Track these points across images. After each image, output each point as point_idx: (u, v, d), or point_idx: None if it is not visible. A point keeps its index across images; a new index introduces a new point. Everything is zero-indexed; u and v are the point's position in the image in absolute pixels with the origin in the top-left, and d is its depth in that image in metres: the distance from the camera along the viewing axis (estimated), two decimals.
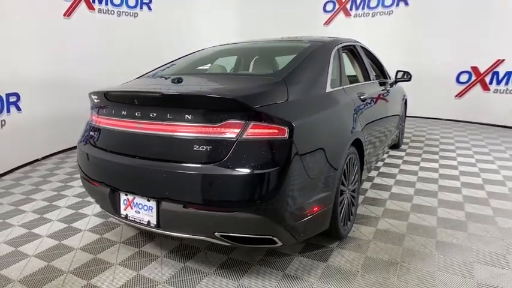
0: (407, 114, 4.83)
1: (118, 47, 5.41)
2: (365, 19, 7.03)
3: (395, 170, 3.58)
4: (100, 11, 5.25)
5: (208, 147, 1.57)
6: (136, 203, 1.79)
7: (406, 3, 6.58)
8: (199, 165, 1.57)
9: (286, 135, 1.57)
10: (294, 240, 1.76)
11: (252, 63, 2.55)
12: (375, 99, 2.86)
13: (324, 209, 1.85)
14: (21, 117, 4.11)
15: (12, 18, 3.96)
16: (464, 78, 6.22)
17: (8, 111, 3.95)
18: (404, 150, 4.36)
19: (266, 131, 1.56)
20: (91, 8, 5.11)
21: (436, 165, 3.73)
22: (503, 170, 3.52)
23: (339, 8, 7.30)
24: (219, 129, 1.57)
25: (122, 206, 1.85)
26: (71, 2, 4.79)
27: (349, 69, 2.81)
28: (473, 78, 6.13)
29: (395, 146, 4.37)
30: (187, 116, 1.61)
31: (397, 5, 6.66)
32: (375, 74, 3.25)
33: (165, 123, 1.66)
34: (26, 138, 4.20)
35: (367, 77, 2.97)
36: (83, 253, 2.16)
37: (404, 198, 2.85)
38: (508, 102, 5.79)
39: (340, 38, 2.72)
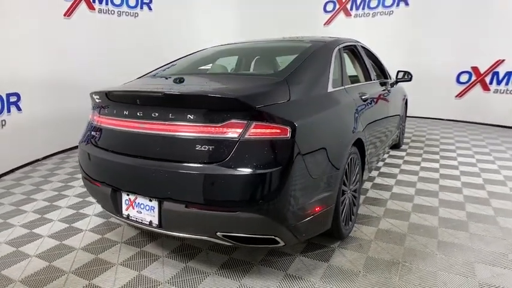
0: (407, 114, 4.83)
1: (118, 47, 5.41)
2: (365, 19, 7.04)
3: (396, 170, 3.59)
4: (100, 11, 5.25)
5: (211, 147, 1.57)
6: (138, 203, 1.78)
7: (407, 4, 6.58)
8: (201, 165, 1.57)
9: (289, 135, 1.57)
10: (296, 240, 1.76)
11: (253, 63, 2.55)
12: (376, 99, 2.87)
13: (326, 209, 1.85)
14: (21, 117, 4.11)
15: (12, 18, 3.96)
16: (464, 78, 6.23)
17: (9, 111, 3.95)
18: (404, 150, 4.36)
19: (268, 130, 1.56)
20: (91, 8, 5.11)
21: (436, 165, 3.73)
22: (504, 170, 3.53)
23: (339, 8, 7.31)
24: (221, 129, 1.57)
25: (124, 206, 1.85)
26: (71, 2, 4.79)
27: (350, 69, 2.81)
28: (474, 78, 6.13)
29: (395, 146, 4.37)
30: (189, 115, 1.61)
31: (398, 5, 6.67)
32: (375, 74, 3.25)
33: (167, 123, 1.66)
34: (27, 138, 4.20)
35: (368, 77, 2.98)
36: (84, 253, 2.16)
37: (405, 198, 2.85)
38: (508, 102, 5.79)
39: (341, 38, 2.72)
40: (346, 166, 2.05)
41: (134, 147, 1.78)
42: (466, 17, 5.96)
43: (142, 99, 1.77)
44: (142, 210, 1.77)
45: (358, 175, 2.34)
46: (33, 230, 2.49)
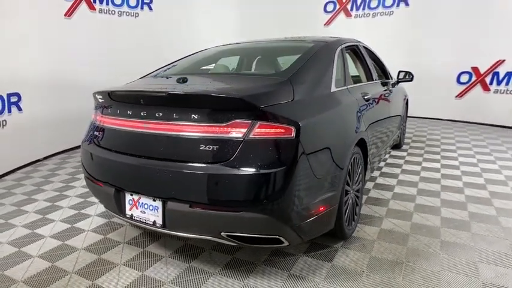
0: (408, 115, 4.84)
1: (119, 47, 5.40)
2: (365, 19, 7.05)
3: (397, 170, 3.59)
4: (101, 11, 5.25)
5: (215, 146, 1.57)
6: (142, 203, 1.78)
7: (407, 4, 6.59)
8: (205, 165, 1.57)
9: (293, 134, 1.57)
10: (300, 240, 1.76)
11: (257, 63, 2.55)
12: (378, 100, 2.87)
13: (330, 208, 1.85)
14: (22, 117, 4.10)
15: (12, 18, 3.95)
16: (464, 78, 6.24)
17: (9, 111, 3.94)
18: (405, 151, 4.37)
19: (273, 130, 1.56)
20: (92, 8, 5.10)
21: (437, 165, 3.74)
22: (505, 170, 3.53)
23: (339, 9, 7.31)
24: (225, 128, 1.57)
25: (127, 206, 1.85)
26: (72, 2, 4.78)
27: (352, 69, 2.81)
28: (474, 78, 6.14)
29: (396, 146, 4.37)
30: (193, 115, 1.61)
31: (398, 5, 6.68)
32: (377, 74, 3.25)
33: (171, 122, 1.66)
34: (27, 138, 4.19)
35: (370, 77, 2.98)
36: (86, 253, 2.15)
37: (407, 198, 2.86)
38: (508, 103, 5.81)
39: (343, 38, 2.72)
40: (349, 166, 2.05)
41: (138, 147, 1.78)
42: (466, 17, 5.97)
43: (146, 99, 1.77)
44: (146, 210, 1.77)
45: (360, 175, 2.34)
46: (35, 231, 2.48)
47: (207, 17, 6.94)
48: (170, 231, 1.76)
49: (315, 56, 2.15)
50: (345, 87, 2.29)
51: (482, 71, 6.01)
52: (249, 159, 1.53)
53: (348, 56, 2.64)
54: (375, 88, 2.93)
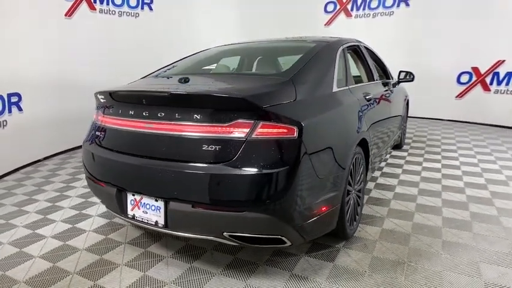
0: (408, 115, 4.84)
1: (119, 47, 5.40)
2: (366, 20, 7.05)
3: (398, 170, 3.59)
4: (101, 11, 5.24)
5: (217, 147, 1.57)
6: (144, 203, 1.78)
7: (407, 4, 6.60)
8: (208, 165, 1.57)
9: (296, 134, 1.57)
10: (302, 240, 1.76)
11: (258, 63, 2.55)
12: (379, 100, 2.87)
13: (332, 208, 1.85)
14: (22, 118, 4.09)
15: (13, 18, 3.95)
16: (464, 78, 6.25)
17: (10, 111, 3.94)
18: (406, 151, 4.37)
19: (275, 130, 1.55)
20: (92, 8, 5.10)
21: (438, 165, 3.74)
22: (506, 170, 3.53)
23: (339, 9, 7.32)
24: (228, 128, 1.56)
25: (129, 206, 1.85)
26: (72, 2, 4.78)
27: (354, 69, 2.81)
28: (474, 78, 6.15)
29: (397, 147, 4.38)
30: (196, 115, 1.61)
31: (398, 5, 6.68)
32: (378, 74, 3.25)
33: (173, 122, 1.66)
34: (28, 138, 4.18)
35: (371, 77, 2.98)
36: (88, 254, 2.15)
37: (408, 198, 2.86)
38: (508, 103, 5.81)
39: (344, 38, 2.72)
40: (351, 166, 2.05)
41: (140, 147, 1.78)
42: (467, 17, 5.97)
43: (148, 99, 1.77)
44: (148, 210, 1.77)
45: (362, 175, 2.34)
46: (36, 231, 2.48)
47: (207, 17, 6.94)
48: (172, 232, 1.76)
49: (317, 56, 2.15)
50: (347, 87, 2.30)
51: (482, 71, 6.02)
52: (252, 159, 1.53)
53: (349, 56, 2.64)
54: (376, 88, 2.94)
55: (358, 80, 2.79)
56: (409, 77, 3.78)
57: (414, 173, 3.48)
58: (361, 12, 7.09)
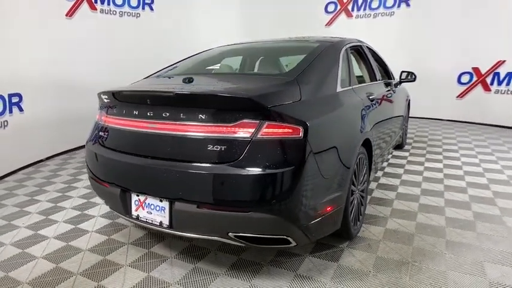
0: (409, 115, 4.85)
1: (120, 47, 5.39)
2: (366, 20, 7.05)
3: (400, 170, 3.59)
4: (102, 11, 5.24)
5: (223, 147, 1.56)
6: (148, 204, 1.77)
7: (408, 4, 6.61)
8: (213, 165, 1.56)
9: (301, 134, 1.56)
10: (307, 240, 1.76)
11: (262, 63, 2.54)
12: (382, 100, 2.87)
13: (337, 208, 1.85)
14: (23, 118, 4.08)
15: (13, 18, 3.94)
16: (465, 79, 6.26)
17: (11, 111, 3.92)
18: (408, 151, 4.37)
19: (281, 130, 1.55)
20: (93, 8, 5.09)
21: (440, 165, 3.74)
22: (507, 170, 3.54)
23: (340, 9, 7.32)
24: (233, 128, 1.56)
25: (133, 207, 1.84)
26: (73, 2, 4.77)
27: (356, 69, 2.81)
28: (475, 79, 6.16)
29: (399, 147, 4.38)
30: (200, 115, 1.60)
31: (399, 6, 6.69)
32: (380, 74, 3.25)
33: (178, 123, 1.65)
34: (29, 139, 4.17)
35: (373, 78, 2.98)
36: (91, 254, 2.14)
37: (411, 198, 2.86)
38: (508, 103, 5.82)
39: (347, 38, 2.72)
40: (355, 166, 2.05)
41: (144, 147, 1.77)
42: (467, 17, 5.99)
43: (153, 99, 1.76)
44: (153, 210, 1.76)
45: (365, 175, 2.34)
46: (38, 232, 2.47)
47: (208, 17, 6.94)
48: (177, 232, 1.76)
49: (321, 56, 2.15)
50: (350, 87, 2.29)
51: (483, 71, 6.03)
52: (257, 159, 1.52)
53: (352, 56, 2.64)
54: (379, 88, 2.94)
55: (361, 80, 2.80)
56: (410, 77, 3.78)
57: (416, 173, 3.48)
58: (361, 12, 7.09)
